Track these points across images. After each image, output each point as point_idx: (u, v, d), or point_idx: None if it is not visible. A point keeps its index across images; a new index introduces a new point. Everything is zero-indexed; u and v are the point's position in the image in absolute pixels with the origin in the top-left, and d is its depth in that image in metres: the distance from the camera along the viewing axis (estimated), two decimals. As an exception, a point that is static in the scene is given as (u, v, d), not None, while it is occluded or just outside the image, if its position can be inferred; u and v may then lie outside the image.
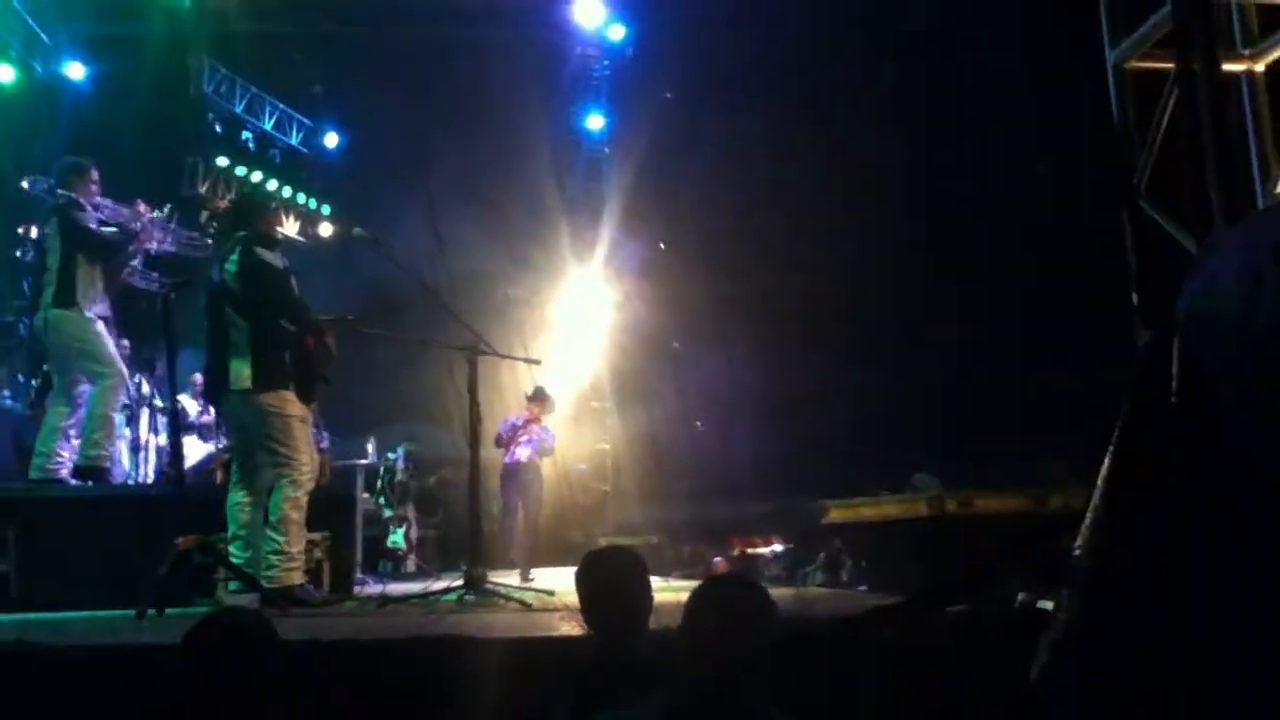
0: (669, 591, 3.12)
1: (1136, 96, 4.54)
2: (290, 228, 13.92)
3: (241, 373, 4.86)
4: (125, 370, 6.36)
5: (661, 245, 11.57)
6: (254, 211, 5.50)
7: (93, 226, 6.12)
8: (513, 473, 9.17)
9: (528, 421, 9.26)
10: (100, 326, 6.10)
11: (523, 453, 9.15)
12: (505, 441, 9.16)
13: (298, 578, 4.86)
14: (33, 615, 4.40)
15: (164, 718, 2.13)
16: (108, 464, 6.15)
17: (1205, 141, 3.60)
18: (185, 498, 4.81)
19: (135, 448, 8.02)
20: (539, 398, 9.40)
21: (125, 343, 8.47)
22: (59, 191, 6.17)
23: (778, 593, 2.24)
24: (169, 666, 2.12)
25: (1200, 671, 1.61)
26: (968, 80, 7.95)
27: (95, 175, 6.31)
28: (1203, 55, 3.65)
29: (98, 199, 6.27)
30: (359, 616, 4.81)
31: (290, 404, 4.93)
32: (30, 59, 11.16)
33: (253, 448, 5.02)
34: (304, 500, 4.93)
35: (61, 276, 6.00)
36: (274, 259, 5.09)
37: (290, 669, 2.54)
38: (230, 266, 5.01)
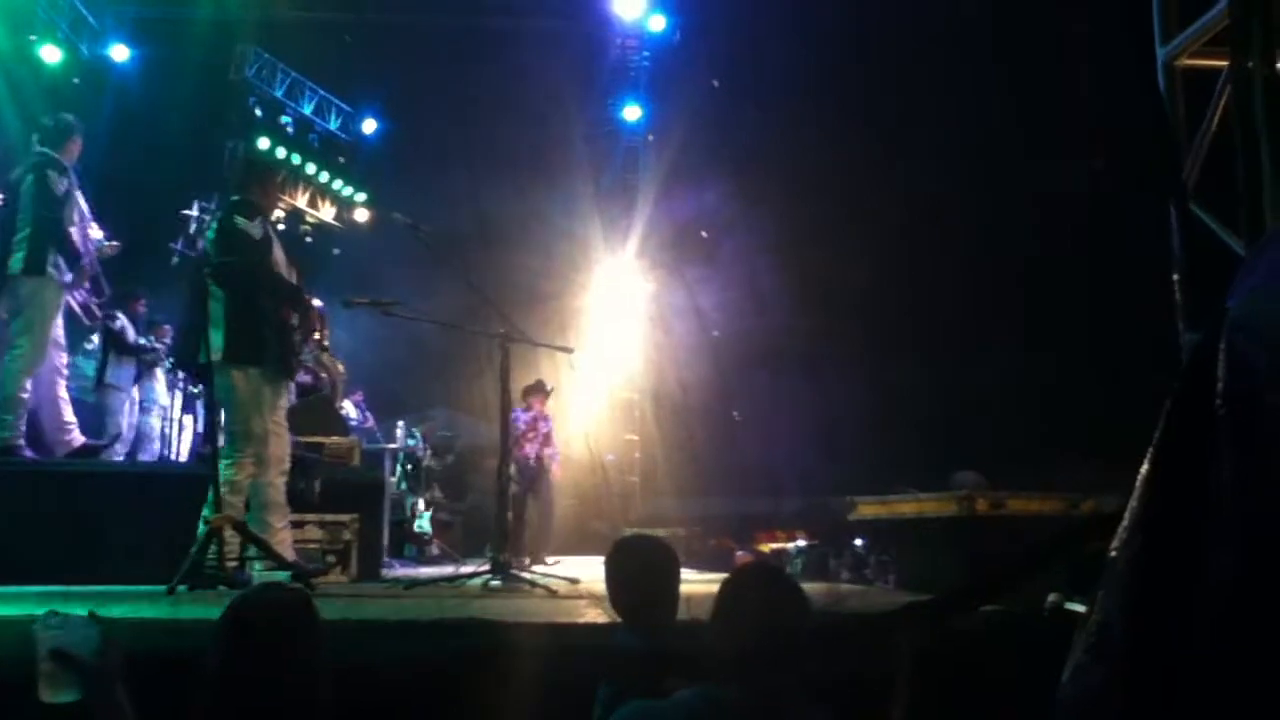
0: (691, 584, 3.10)
1: (1188, 94, 4.45)
2: (326, 212, 14.05)
3: (215, 343, 4.76)
4: (47, 350, 5.91)
5: (704, 234, 11.54)
6: (249, 178, 5.30)
7: (59, 193, 5.81)
8: (522, 468, 9.23)
9: (535, 419, 9.34)
10: (56, 297, 5.85)
11: (531, 449, 9.26)
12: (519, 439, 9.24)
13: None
14: (67, 588, 4.46)
15: (204, 693, 2.11)
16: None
17: (1259, 140, 3.52)
18: (218, 476, 4.81)
19: (168, 425, 8.16)
20: (536, 390, 9.43)
21: (168, 327, 8.60)
22: (39, 149, 5.91)
23: (806, 588, 2.23)
24: (210, 641, 2.10)
25: (1234, 681, 1.57)
26: (1020, 76, 7.84)
27: (79, 140, 6.09)
28: (1259, 52, 3.57)
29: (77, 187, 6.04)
30: (386, 599, 4.84)
31: (249, 383, 4.81)
32: (77, 41, 11.33)
33: None
34: (237, 480, 4.75)
35: (32, 242, 5.75)
36: (252, 227, 4.90)
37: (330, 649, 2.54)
38: (209, 234, 4.97)
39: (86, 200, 6.22)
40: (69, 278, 5.96)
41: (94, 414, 8.53)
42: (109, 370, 8.11)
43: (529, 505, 9.19)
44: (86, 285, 6.15)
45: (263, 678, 2.00)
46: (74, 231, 5.95)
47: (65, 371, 6.28)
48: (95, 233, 6.36)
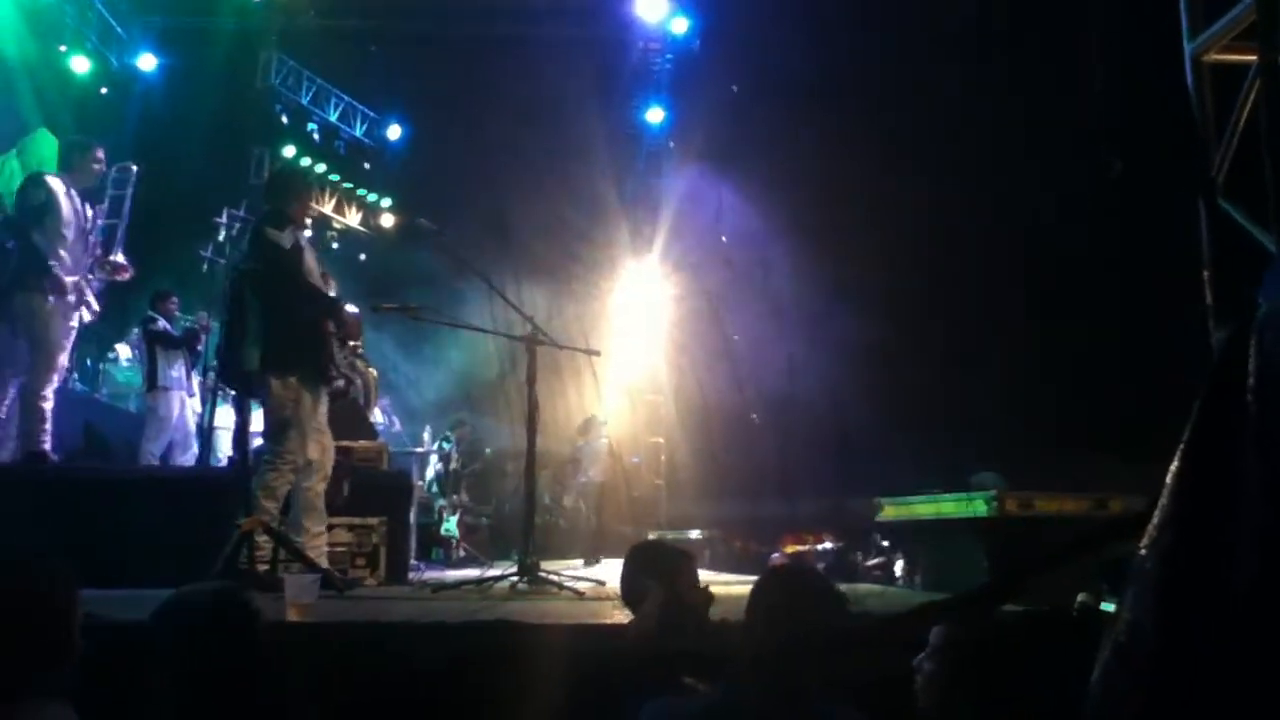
0: (720, 586, 3.12)
1: (1215, 90, 4.41)
2: (352, 218, 14.16)
3: (252, 354, 4.83)
4: (57, 358, 6.02)
5: (724, 239, 11.53)
6: (281, 190, 5.38)
7: (33, 204, 5.90)
8: (584, 486, 10.73)
9: (593, 448, 10.75)
10: (52, 307, 5.92)
11: (594, 473, 10.69)
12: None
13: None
14: (104, 591, 4.51)
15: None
16: (44, 447, 5.92)
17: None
18: (250, 480, 4.86)
19: (208, 431, 8.22)
20: (591, 426, 10.87)
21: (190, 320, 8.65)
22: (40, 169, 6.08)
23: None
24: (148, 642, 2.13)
25: (1251, 681, 1.56)
26: (1041, 74, 7.78)
27: (100, 155, 6.25)
28: (1286, 47, 3.53)
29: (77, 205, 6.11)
30: (414, 601, 4.87)
31: (288, 390, 4.87)
32: (105, 51, 11.47)
33: None
34: (275, 486, 4.83)
35: (17, 257, 5.85)
36: (282, 238, 4.98)
37: (301, 649, 2.57)
38: (244, 247, 5.07)
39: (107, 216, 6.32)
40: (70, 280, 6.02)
41: (132, 424, 8.65)
42: (160, 373, 8.22)
43: (586, 515, 10.55)
44: (71, 298, 6.13)
45: (197, 677, 2.01)
46: (58, 245, 5.99)
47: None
48: (118, 256, 6.48)
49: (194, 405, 8.47)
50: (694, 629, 2.66)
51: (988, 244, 8.38)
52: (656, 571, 2.80)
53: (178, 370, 8.31)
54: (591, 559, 9.44)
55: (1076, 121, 7.56)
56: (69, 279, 6.02)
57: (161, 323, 8.32)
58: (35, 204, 5.96)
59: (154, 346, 8.27)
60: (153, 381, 8.21)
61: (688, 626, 2.66)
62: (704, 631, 2.69)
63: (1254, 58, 3.99)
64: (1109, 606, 3.19)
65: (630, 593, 2.88)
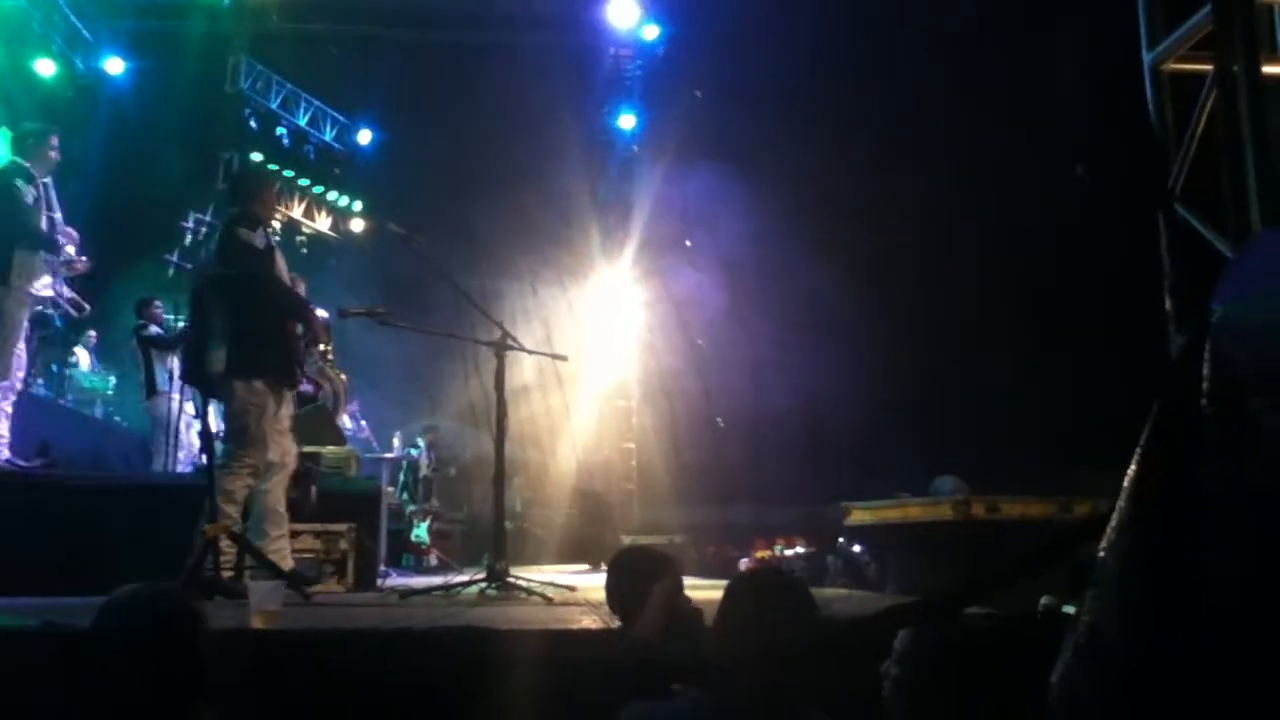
0: (692, 591, 3.12)
1: (1174, 98, 4.48)
2: (322, 222, 14.08)
3: (218, 355, 4.78)
4: (12, 361, 5.81)
5: (688, 243, 11.55)
6: (247, 190, 5.32)
7: (28, 203, 5.73)
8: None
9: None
10: (19, 308, 5.76)
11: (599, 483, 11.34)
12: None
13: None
14: (66, 599, 4.46)
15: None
16: None
17: (1244, 144, 3.55)
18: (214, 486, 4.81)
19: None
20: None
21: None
22: (12, 158, 5.83)
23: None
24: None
25: (1216, 682, 1.59)
26: (1003, 83, 7.86)
27: (55, 142, 6.02)
28: (1243, 56, 3.60)
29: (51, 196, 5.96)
30: (381, 607, 4.83)
31: (253, 394, 4.83)
32: (71, 54, 11.33)
33: None
34: (233, 490, 4.77)
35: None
36: (254, 238, 4.96)
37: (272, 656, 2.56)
38: (213, 247, 5.03)
39: (63, 209, 6.16)
40: (38, 283, 5.87)
41: (97, 430, 8.54)
42: (158, 378, 8.15)
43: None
44: (64, 289, 6.05)
45: (134, 680, 2.01)
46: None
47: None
48: (69, 249, 6.35)
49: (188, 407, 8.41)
50: (689, 637, 2.66)
51: (958, 251, 8.45)
52: (650, 577, 2.81)
53: (173, 376, 8.26)
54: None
55: (1046, 129, 7.62)
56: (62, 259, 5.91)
57: (153, 328, 8.28)
58: (31, 200, 5.76)
59: (149, 352, 8.23)
60: (152, 387, 8.18)
61: (682, 634, 2.66)
62: (700, 640, 2.69)
63: (1210, 67, 4.07)
64: (1071, 609, 3.23)
65: (621, 599, 2.87)
